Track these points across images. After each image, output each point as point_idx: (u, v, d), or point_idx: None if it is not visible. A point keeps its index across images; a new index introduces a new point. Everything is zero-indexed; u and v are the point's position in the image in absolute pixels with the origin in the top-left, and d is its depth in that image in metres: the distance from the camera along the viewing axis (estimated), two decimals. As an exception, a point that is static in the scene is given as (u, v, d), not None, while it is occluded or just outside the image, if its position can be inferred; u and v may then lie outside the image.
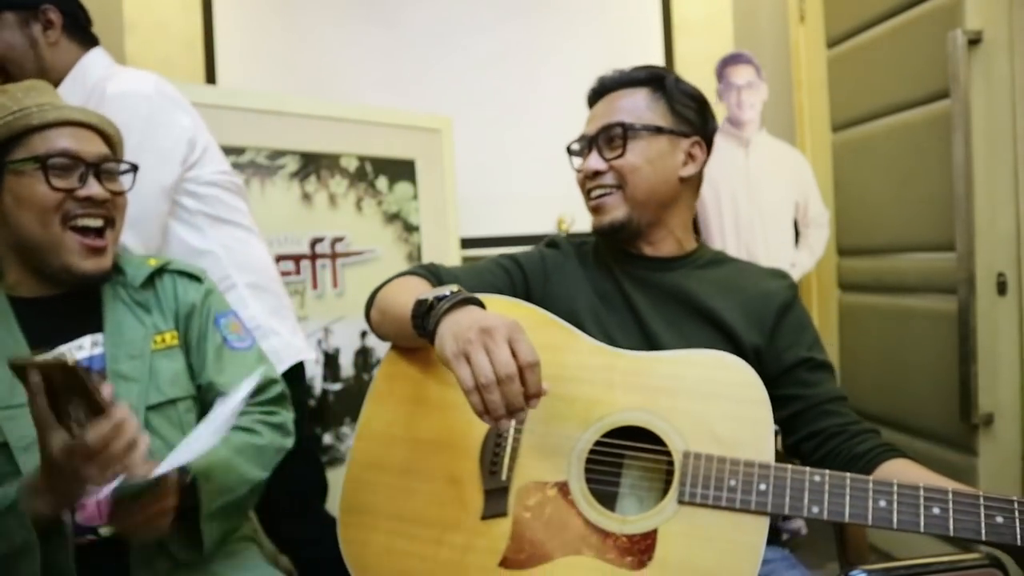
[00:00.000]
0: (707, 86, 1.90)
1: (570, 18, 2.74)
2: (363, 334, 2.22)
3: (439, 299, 0.96)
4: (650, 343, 1.10)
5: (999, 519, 0.83)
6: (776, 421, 1.02)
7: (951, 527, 0.84)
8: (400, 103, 2.50)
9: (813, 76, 2.65)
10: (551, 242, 1.29)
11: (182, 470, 0.99)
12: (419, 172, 2.40)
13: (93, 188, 1.08)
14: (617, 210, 1.17)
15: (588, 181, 1.19)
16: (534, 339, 0.96)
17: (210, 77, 2.58)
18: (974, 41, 1.86)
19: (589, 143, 1.19)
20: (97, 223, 1.09)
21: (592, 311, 1.16)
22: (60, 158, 1.06)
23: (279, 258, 2.04)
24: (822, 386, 1.11)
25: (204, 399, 1.15)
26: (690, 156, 1.16)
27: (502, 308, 1.07)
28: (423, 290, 1.06)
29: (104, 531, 1.03)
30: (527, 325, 0.99)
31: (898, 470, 1.00)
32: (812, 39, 2.64)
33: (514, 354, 0.87)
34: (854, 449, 1.04)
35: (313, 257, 2.31)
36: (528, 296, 1.19)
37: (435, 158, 2.45)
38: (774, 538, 1.12)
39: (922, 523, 0.85)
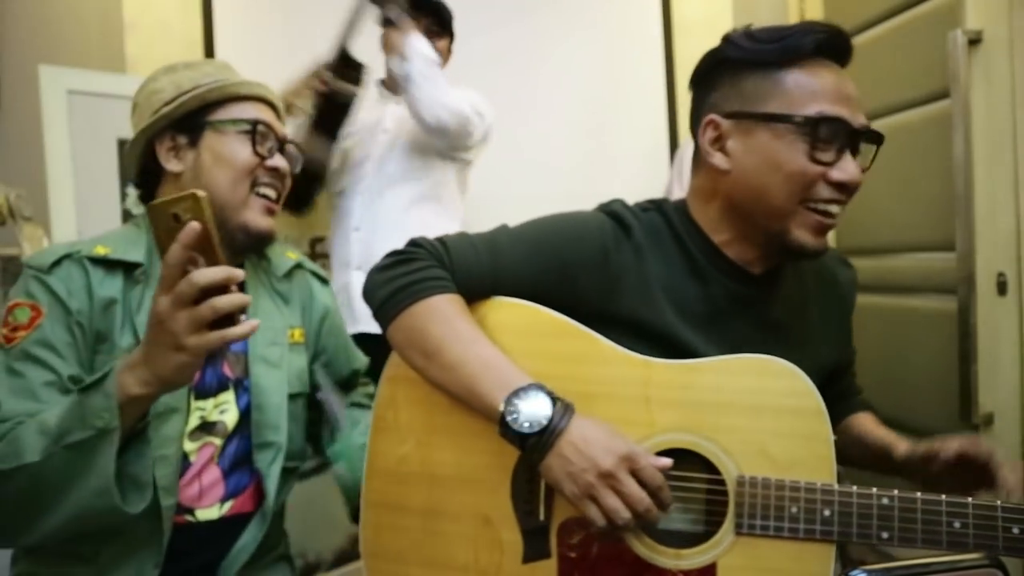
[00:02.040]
0: (707, 86, 1.89)
1: (570, 18, 2.73)
2: (363, 334, 2.21)
3: (533, 434, 0.84)
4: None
5: None
6: None
7: None
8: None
9: (813, 76, 2.64)
10: (614, 213, 1.00)
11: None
12: (419, 172, 2.39)
13: (281, 161, 1.14)
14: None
15: (831, 189, 0.90)
16: (555, 350, 0.92)
17: (210, 77, 2.57)
18: (974, 41, 1.86)
19: (854, 140, 0.91)
20: (273, 194, 1.15)
21: (674, 319, 0.96)
22: (263, 127, 1.12)
23: (279, 258, 2.04)
24: (851, 382, 1.18)
25: (346, 386, 1.28)
26: None
27: (516, 314, 0.97)
28: (469, 338, 0.91)
29: (200, 514, 1.05)
30: (545, 334, 0.94)
31: (854, 425, 1.08)
32: (812, 39, 2.63)
33: (641, 482, 0.83)
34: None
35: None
36: (574, 302, 0.97)
37: (435, 158, 2.44)
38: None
39: (1000, 544, 0.80)
